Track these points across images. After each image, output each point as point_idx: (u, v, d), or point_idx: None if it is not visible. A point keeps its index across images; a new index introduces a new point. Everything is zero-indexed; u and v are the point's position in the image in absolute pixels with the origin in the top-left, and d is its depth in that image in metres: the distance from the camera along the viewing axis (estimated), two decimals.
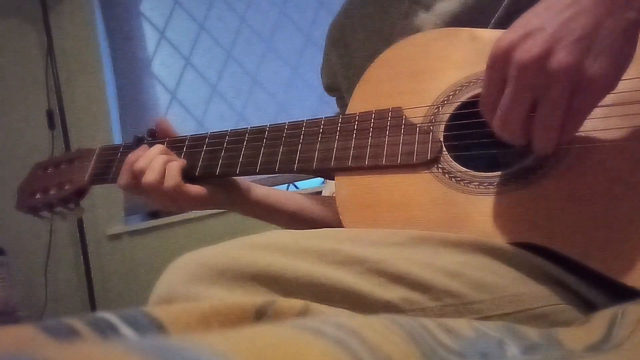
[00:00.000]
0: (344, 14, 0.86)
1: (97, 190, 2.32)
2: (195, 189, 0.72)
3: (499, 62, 0.48)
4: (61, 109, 2.20)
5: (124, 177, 0.73)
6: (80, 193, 0.82)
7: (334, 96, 0.90)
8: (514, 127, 0.49)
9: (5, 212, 2.02)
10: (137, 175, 0.72)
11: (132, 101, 2.31)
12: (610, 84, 0.47)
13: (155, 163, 0.71)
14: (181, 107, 2.28)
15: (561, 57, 0.45)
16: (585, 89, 0.46)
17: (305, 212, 0.81)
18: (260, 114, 2.20)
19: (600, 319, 0.44)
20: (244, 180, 0.78)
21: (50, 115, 2.25)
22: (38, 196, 0.83)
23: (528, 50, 0.46)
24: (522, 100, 0.47)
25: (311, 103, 2.12)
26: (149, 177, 0.70)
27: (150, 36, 2.32)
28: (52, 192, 0.82)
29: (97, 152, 0.82)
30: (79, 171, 0.82)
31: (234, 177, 0.77)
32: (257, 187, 0.80)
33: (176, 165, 0.71)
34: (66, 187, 0.82)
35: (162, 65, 2.31)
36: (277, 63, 2.23)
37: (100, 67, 2.28)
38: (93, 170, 0.81)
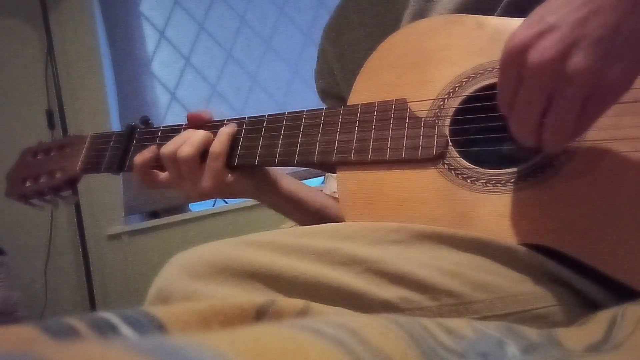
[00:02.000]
0: (339, 13, 0.84)
1: (97, 190, 2.33)
2: (227, 173, 0.69)
3: (512, 61, 0.46)
4: (61, 109, 2.20)
5: (139, 178, 0.71)
6: (72, 182, 0.80)
7: (327, 104, 0.86)
8: (528, 127, 0.47)
9: (5, 212, 2.02)
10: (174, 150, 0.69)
11: (132, 101, 2.31)
12: (626, 87, 0.45)
13: (194, 138, 0.69)
14: (181, 106, 2.28)
15: (578, 61, 0.43)
16: (600, 93, 0.44)
17: (328, 211, 0.79)
18: (260, 114, 2.19)
19: (600, 319, 0.43)
20: (273, 170, 0.75)
21: (50, 115, 2.25)
22: (28, 184, 0.81)
23: (543, 51, 0.43)
24: (537, 102, 0.45)
25: (311, 103, 2.11)
26: (186, 149, 0.68)
27: (150, 36, 2.32)
28: (42, 180, 0.80)
29: (88, 139, 0.80)
30: (70, 159, 0.80)
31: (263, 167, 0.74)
32: (287, 180, 0.77)
33: (229, 130, 0.69)
34: (57, 176, 0.80)
35: (162, 65, 2.31)
36: (277, 63, 2.23)
37: (100, 67, 2.28)
38: (85, 159, 0.79)
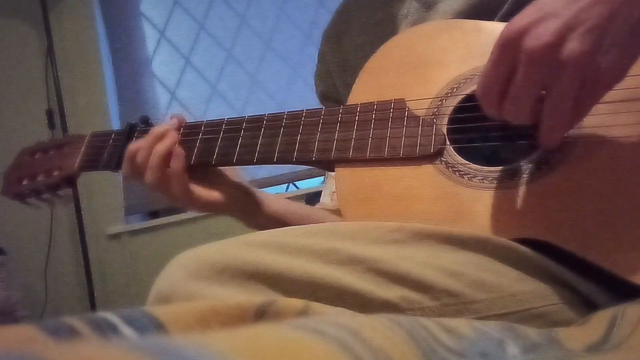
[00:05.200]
0: (339, 17, 0.85)
1: (97, 189, 2.32)
2: (207, 193, 0.70)
3: (509, 46, 0.46)
4: (61, 109, 2.20)
5: (126, 167, 0.72)
6: (70, 180, 0.80)
7: (327, 107, 0.87)
8: (523, 115, 0.48)
9: (5, 212, 2.02)
10: (138, 172, 0.70)
11: (132, 101, 2.31)
12: (619, 76, 0.46)
13: (153, 161, 0.69)
14: (181, 106, 2.28)
15: (573, 46, 0.44)
16: (594, 80, 0.45)
17: (311, 220, 0.79)
18: (260, 113, 2.19)
19: (600, 319, 0.43)
20: (258, 191, 0.76)
21: (50, 115, 2.25)
22: (25, 182, 0.80)
23: (540, 37, 0.44)
24: (533, 87, 0.46)
25: (311, 103, 2.11)
26: (149, 177, 0.69)
27: (150, 36, 2.32)
28: (39, 178, 0.80)
29: (87, 138, 0.80)
30: (68, 157, 0.79)
31: (249, 187, 0.76)
32: (273, 200, 0.77)
33: (178, 166, 0.69)
34: (55, 174, 0.79)
35: (162, 65, 2.31)
36: (277, 63, 2.23)
37: (100, 67, 2.28)
38: (83, 157, 0.78)
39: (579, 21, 0.44)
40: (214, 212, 0.74)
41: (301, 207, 0.82)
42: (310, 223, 0.77)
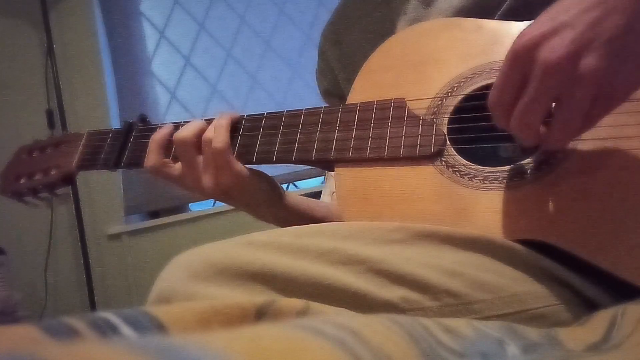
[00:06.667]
0: (338, 15, 0.85)
1: (97, 189, 2.32)
2: (239, 165, 0.68)
3: (521, 59, 0.45)
4: (61, 109, 2.20)
5: (152, 157, 0.70)
6: (68, 179, 0.79)
7: (330, 103, 0.86)
8: (532, 127, 0.47)
9: (5, 212, 2.02)
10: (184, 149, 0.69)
11: (132, 101, 2.31)
12: (633, 90, 0.45)
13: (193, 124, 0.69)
14: (181, 106, 2.28)
15: (590, 61, 0.43)
16: (609, 94, 0.44)
17: (330, 219, 0.78)
18: (258, 113, 2.19)
19: (601, 319, 0.43)
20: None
21: (50, 115, 2.25)
22: (23, 181, 0.80)
23: (554, 49, 0.43)
24: (544, 101, 0.45)
25: (311, 103, 2.11)
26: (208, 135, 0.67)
27: (150, 36, 2.32)
28: (37, 177, 0.79)
29: (85, 136, 0.79)
30: (66, 156, 0.79)
31: (270, 177, 0.74)
32: (294, 194, 0.77)
33: (224, 122, 0.68)
34: (52, 173, 0.79)
35: (162, 64, 2.31)
36: (277, 63, 2.23)
37: (100, 67, 2.28)
38: (81, 155, 0.78)
39: (595, 33, 0.43)
40: (240, 201, 0.72)
41: (319, 203, 0.81)
42: (330, 221, 0.77)
